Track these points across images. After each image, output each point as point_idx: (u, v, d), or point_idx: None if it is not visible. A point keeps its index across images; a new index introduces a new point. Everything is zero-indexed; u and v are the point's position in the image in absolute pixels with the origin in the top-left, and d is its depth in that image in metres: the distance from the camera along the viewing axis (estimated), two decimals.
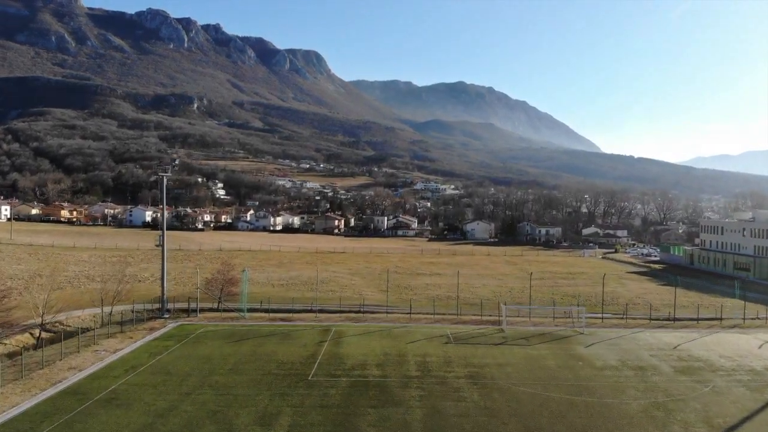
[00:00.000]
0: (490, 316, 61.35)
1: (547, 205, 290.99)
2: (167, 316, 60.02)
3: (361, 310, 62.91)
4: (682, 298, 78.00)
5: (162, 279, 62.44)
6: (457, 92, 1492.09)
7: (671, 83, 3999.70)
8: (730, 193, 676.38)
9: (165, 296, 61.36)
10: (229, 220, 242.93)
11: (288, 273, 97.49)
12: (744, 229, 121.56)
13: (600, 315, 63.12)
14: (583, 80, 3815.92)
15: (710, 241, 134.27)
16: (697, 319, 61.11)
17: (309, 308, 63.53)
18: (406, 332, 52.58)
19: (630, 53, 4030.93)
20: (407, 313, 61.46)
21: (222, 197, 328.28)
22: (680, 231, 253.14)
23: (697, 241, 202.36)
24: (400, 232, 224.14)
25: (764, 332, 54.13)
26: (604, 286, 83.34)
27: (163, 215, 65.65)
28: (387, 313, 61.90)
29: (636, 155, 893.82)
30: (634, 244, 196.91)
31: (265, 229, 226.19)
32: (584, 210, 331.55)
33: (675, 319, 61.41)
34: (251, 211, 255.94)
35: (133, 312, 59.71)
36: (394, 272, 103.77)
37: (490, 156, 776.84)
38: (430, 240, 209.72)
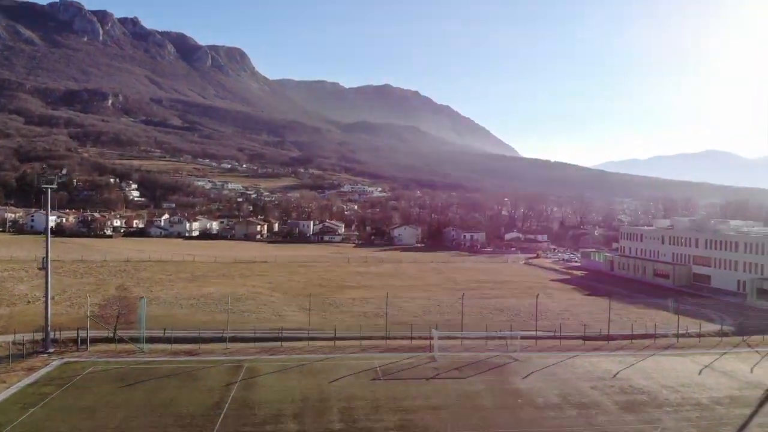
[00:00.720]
0: (421, 338, 57.08)
1: (470, 209, 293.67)
2: (52, 350, 51.64)
3: (280, 336, 56.82)
4: (604, 308, 77.06)
5: (46, 306, 53.64)
6: (384, 95, 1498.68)
7: (585, 91, 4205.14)
8: (640, 196, 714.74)
9: (48, 327, 52.78)
10: (141, 226, 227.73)
11: (200, 289, 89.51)
12: (663, 237, 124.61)
13: (534, 333, 60.35)
14: (503, 86, 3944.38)
15: (630, 248, 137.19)
16: (631, 337, 59.48)
17: (220, 335, 56.72)
18: (330, 366, 47.16)
19: (547, 61, 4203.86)
20: (332, 339, 56.05)
21: (136, 199, 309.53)
22: (597, 234, 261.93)
23: (614, 245, 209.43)
24: (326, 238, 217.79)
25: (700, 353, 52.81)
26: (534, 299, 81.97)
27: (47, 231, 56.71)
28: (309, 339, 56.18)
29: (553, 159, 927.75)
30: (554, 249, 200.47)
31: (179, 235, 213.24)
32: (505, 213, 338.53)
33: (609, 338, 59.49)
34: (166, 215, 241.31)
35: (12, 345, 51.22)
36: (318, 285, 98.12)
37: (415, 159, 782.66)
38: (357, 246, 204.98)
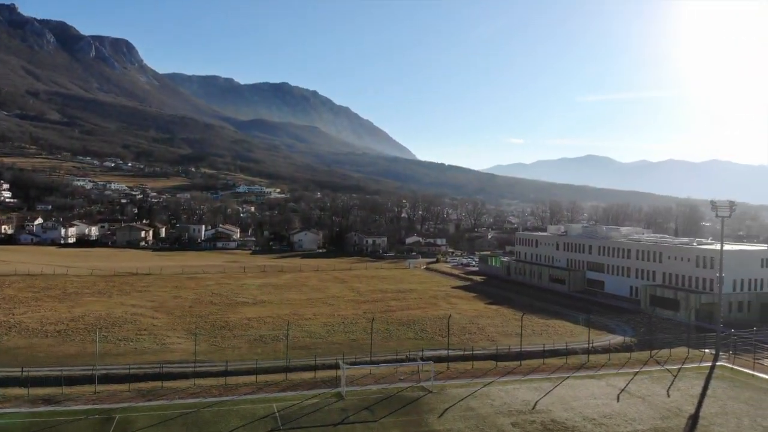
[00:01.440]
0: (326, 368, 51.68)
1: (371, 211, 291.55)
2: None
3: (161, 372, 49.10)
4: (514, 322, 75.82)
5: None
6: (282, 93, 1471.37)
7: (479, 98, 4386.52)
8: (527, 198, 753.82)
9: None
10: (10, 232, 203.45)
11: (71, 311, 78.30)
12: (558, 243, 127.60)
13: (446, 353, 56.97)
14: (401, 90, 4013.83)
15: (526, 253, 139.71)
16: (543, 355, 57.56)
17: (90, 372, 48.12)
18: (220, 414, 40.43)
19: (442, 67, 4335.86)
20: (223, 375, 49.17)
21: (7, 200, 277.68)
22: (490, 237, 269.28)
23: (508, 248, 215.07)
24: (219, 245, 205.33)
25: (614, 373, 51.59)
26: (439, 309, 79.43)
27: None
28: (195, 376, 48.93)
29: (447, 163, 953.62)
30: (452, 252, 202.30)
31: (54, 242, 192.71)
32: (404, 215, 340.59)
33: (520, 356, 57.22)
34: (39, 219, 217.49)
35: None
36: (209, 303, 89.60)
37: (315, 159, 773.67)
38: (254, 253, 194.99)
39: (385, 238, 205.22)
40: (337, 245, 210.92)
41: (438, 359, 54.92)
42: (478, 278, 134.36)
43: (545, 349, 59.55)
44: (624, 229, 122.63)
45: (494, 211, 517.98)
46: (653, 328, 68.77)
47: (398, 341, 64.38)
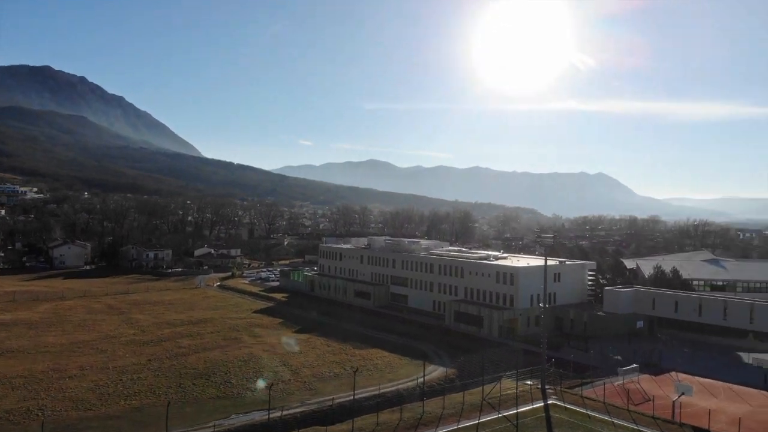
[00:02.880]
0: None
1: (151, 215, 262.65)
2: None
3: None
4: (330, 357, 68.45)
5: None
6: (43, 78, 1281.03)
7: (270, 98, 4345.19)
8: (317, 200, 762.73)
9: None
10: None
11: None
12: (362, 256, 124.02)
13: (260, 417, 46.93)
14: (185, 83, 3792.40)
15: (330, 267, 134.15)
16: (376, 408, 50.46)
17: None
18: None
19: (229, 64, 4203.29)
20: None
21: None
22: (287, 243, 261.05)
23: (307, 257, 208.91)
24: None
25: (453, 429, 46.38)
26: (242, 346, 68.30)
27: None
28: None
29: (236, 161, 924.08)
30: (249, 265, 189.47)
31: None
32: (191, 219, 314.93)
33: (352, 413, 49.54)
34: None
35: None
36: None
37: (82, 153, 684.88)
38: (2, 272, 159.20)
39: (170, 251, 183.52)
40: (109, 260, 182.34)
41: (252, 429, 44.68)
42: (280, 296, 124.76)
43: (378, 394, 52.94)
44: (424, 242, 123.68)
45: (287, 213, 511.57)
46: (458, 345, 66.52)
47: (197, 405, 52.44)
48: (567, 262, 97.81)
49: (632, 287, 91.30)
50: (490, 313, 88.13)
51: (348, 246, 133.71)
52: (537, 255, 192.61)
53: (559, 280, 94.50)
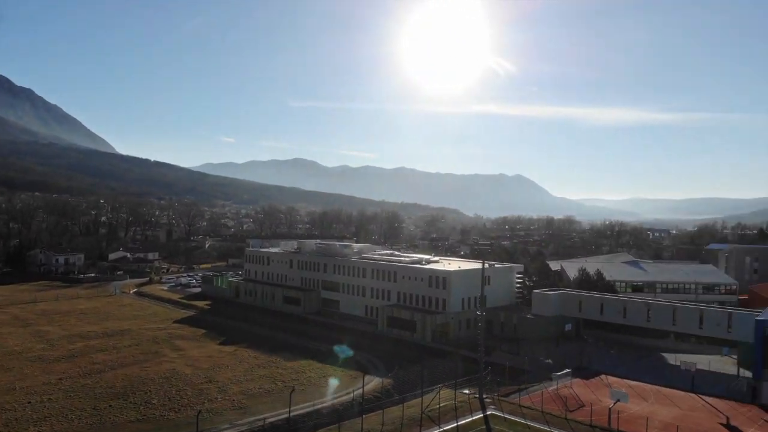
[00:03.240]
0: None
1: (62, 215, 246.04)
2: None
3: None
4: (259, 371, 64.92)
5: None
6: None
7: (189, 92, 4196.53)
8: (240, 199, 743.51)
9: None
10: None
11: None
12: (291, 261, 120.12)
13: None
14: (98, 76, 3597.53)
15: (256, 272, 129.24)
16: (314, 429, 47.69)
17: None
18: None
19: (146, 57, 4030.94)
20: None
21: None
22: (208, 246, 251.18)
23: (230, 261, 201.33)
24: None
25: None
26: (163, 361, 63.31)
27: None
28: None
29: (153, 158, 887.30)
30: (168, 269, 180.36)
31: None
32: (104, 219, 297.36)
33: None
34: None
35: None
36: None
37: None
38: None
39: (82, 256, 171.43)
40: (15, 266, 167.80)
41: None
42: (203, 304, 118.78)
43: (314, 410, 50.15)
44: (356, 246, 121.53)
45: (209, 213, 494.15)
46: (391, 352, 65.06)
47: (115, 431, 47.70)
48: (496, 265, 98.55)
49: (559, 290, 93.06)
50: (423, 317, 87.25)
51: (276, 250, 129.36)
52: (463, 257, 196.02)
53: (489, 284, 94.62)
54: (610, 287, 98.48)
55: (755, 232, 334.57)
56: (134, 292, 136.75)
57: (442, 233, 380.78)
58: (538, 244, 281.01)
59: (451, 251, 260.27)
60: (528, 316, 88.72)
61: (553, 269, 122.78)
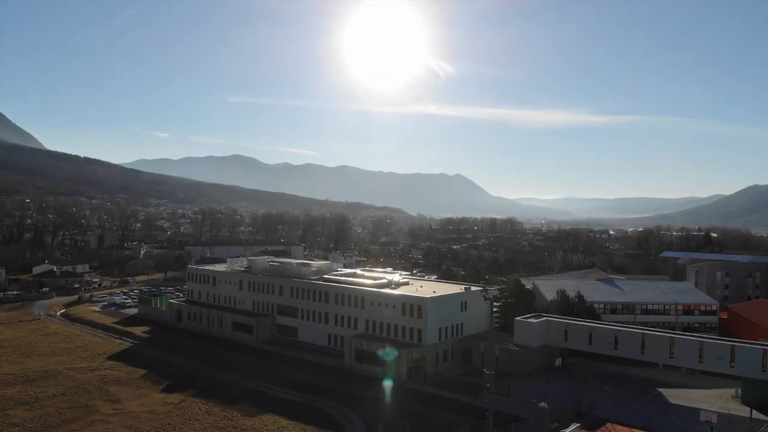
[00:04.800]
0: None
1: None
2: None
3: None
4: (205, 428, 54.04)
5: None
6: None
7: (122, 85, 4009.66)
8: (176, 198, 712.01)
9: None
10: None
11: None
12: (241, 281, 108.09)
13: None
14: (25, 64, 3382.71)
15: (201, 292, 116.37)
16: None
17: None
18: None
19: (73, 46, 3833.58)
20: None
21: None
22: (144, 254, 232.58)
23: (169, 274, 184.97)
24: None
25: None
26: (95, 421, 51.16)
27: None
28: None
29: (83, 155, 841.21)
30: (99, 284, 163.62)
31: None
32: (29, 222, 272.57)
33: None
34: None
35: None
36: None
37: None
38: None
39: (3, 271, 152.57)
40: None
41: None
42: (140, 331, 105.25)
43: None
44: (315, 264, 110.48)
45: (143, 213, 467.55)
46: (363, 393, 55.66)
47: None
48: (472, 288, 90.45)
49: (542, 316, 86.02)
50: (399, 351, 78.00)
51: (223, 268, 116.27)
52: (417, 263, 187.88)
53: (465, 309, 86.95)
54: (591, 311, 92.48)
55: (695, 233, 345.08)
56: (62, 315, 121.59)
57: (392, 236, 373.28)
58: (489, 249, 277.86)
59: (404, 258, 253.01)
60: (511, 347, 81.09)
61: (525, 286, 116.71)
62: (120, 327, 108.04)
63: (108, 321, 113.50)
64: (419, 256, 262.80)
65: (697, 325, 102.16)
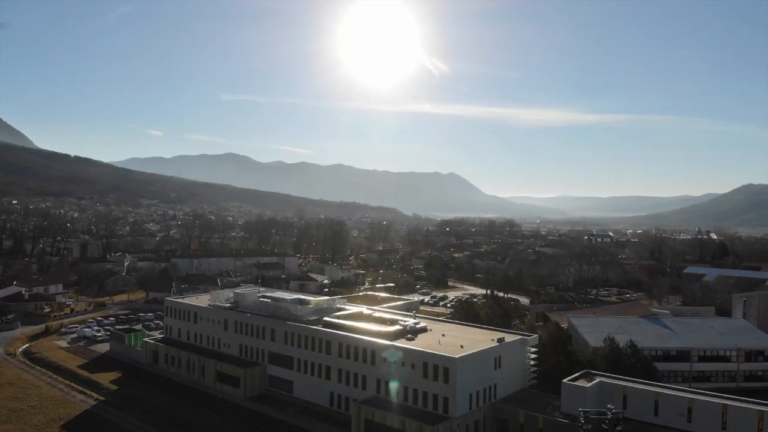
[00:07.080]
0: None
1: None
2: None
3: None
4: None
5: None
6: None
7: (115, 82, 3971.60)
8: (167, 198, 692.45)
9: None
10: None
11: None
12: (226, 320, 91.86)
13: None
14: (17, 61, 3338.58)
15: (180, 330, 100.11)
16: None
17: None
18: None
19: (65, 43, 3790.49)
20: None
21: None
22: (127, 265, 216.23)
23: (152, 295, 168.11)
24: None
25: None
26: None
27: None
28: None
29: (74, 154, 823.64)
30: (72, 310, 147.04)
31: None
32: (9, 226, 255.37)
33: None
34: None
35: None
36: None
37: None
38: None
39: None
40: None
41: None
42: (108, 380, 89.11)
43: None
44: (313, 300, 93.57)
45: (132, 215, 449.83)
46: None
47: None
48: (506, 340, 74.75)
49: (592, 375, 70.63)
50: (421, 429, 62.33)
51: (205, 304, 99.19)
52: (416, 272, 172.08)
53: (500, 366, 71.24)
54: (646, 364, 77.06)
55: (701, 237, 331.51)
56: (23, 352, 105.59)
57: (389, 241, 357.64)
58: (492, 257, 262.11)
59: (405, 271, 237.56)
60: (558, 418, 65.59)
61: (552, 320, 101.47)
62: (85, 374, 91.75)
63: (74, 363, 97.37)
64: (420, 266, 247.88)
65: (760, 373, 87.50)
